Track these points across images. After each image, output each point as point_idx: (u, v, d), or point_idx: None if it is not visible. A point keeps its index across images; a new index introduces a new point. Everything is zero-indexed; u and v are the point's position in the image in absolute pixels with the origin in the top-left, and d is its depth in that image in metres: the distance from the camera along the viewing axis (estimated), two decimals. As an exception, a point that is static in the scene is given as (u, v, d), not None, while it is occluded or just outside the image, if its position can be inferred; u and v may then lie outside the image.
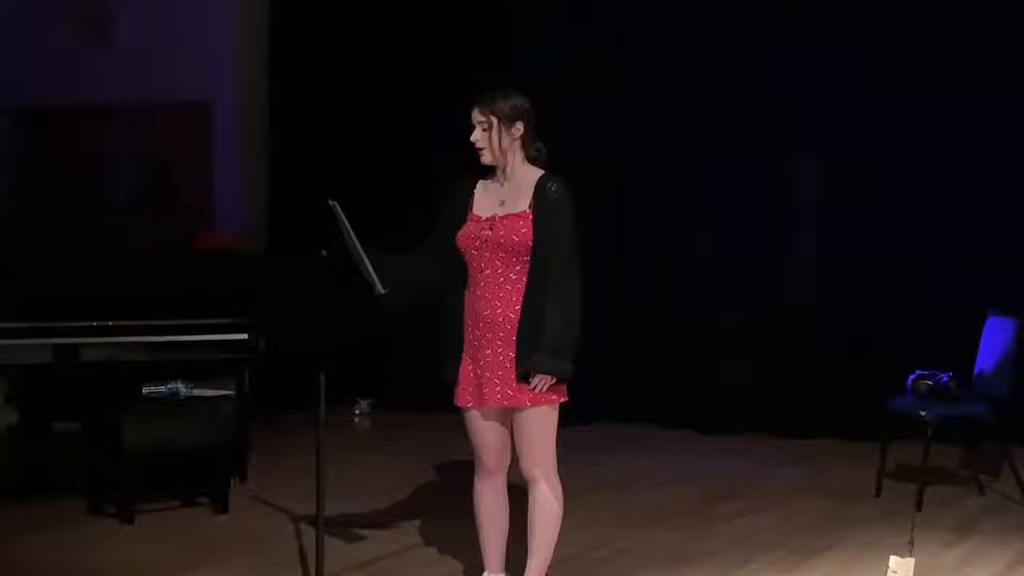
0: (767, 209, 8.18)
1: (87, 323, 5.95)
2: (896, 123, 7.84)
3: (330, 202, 4.43)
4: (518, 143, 4.37)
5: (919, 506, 6.09)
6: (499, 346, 4.30)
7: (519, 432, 4.36)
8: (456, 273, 4.41)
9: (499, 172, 4.39)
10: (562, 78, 8.20)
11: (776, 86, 8.11)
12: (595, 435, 8.00)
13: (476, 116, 4.35)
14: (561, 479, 4.45)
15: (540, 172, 4.38)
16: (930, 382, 6.31)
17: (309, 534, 5.26)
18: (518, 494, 4.53)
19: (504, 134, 4.34)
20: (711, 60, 8.25)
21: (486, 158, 4.37)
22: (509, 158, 4.36)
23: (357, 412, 8.94)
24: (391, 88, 8.97)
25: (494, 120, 4.33)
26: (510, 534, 4.59)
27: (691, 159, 8.33)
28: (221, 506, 6.05)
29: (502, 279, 4.31)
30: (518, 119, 4.35)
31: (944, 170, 7.75)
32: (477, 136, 4.35)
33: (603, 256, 8.06)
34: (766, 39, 8.13)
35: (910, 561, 4.97)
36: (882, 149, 7.88)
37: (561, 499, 4.43)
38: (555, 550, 4.49)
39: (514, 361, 4.27)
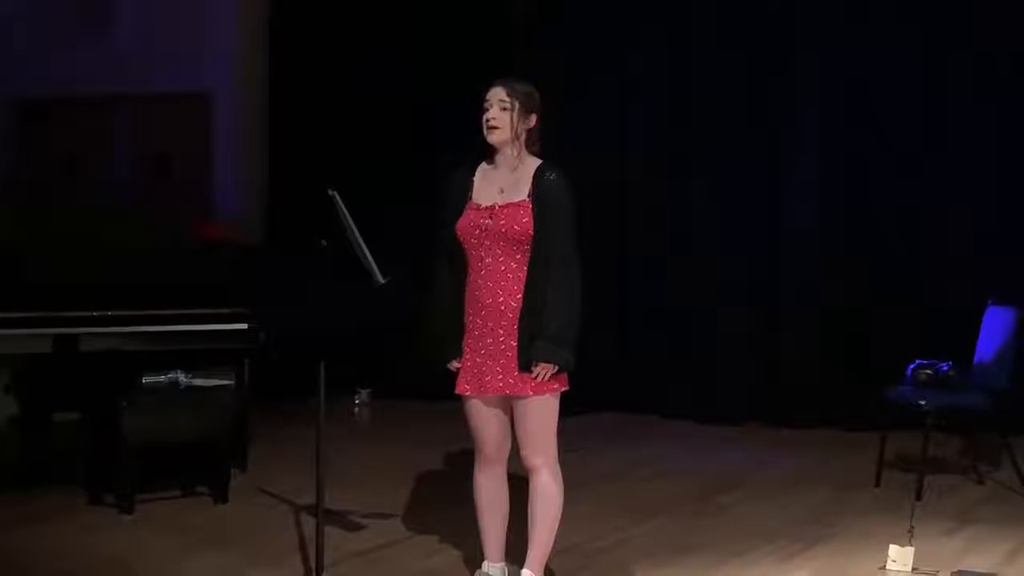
0: (767, 202, 8.21)
1: (87, 313, 5.95)
2: (896, 122, 7.86)
3: (330, 191, 4.43)
4: (525, 134, 4.36)
5: (918, 495, 6.10)
6: (501, 335, 4.29)
7: (520, 421, 4.36)
8: (462, 261, 4.41)
9: (503, 157, 4.37)
10: (562, 78, 8.19)
11: (776, 85, 8.13)
12: (596, 425, 8.02)
13: (499, 95, 4.33)
14: (561, 469, 4.45)
15: (539, 161, 4.37)
16: (930, 371, 6.32)
17: (309, 524, 5.27)
18: (519, 483, 4.53)
19: (521, 120, 4.33)
20: (711, 59, 8.26)
21: (497, 137, 4.33)
22: (520, 143, 4.35)
23: (357, 402, 8.95)
24: (391, 83, 8.98)
25: (516, 104, 4.32)
26: (510, 523, 4.59)
27: (691, 158, 8.35)
28: (221, 496, 6.06)
29: (503, 268, 4.30)
30: (534, 111, 4.36)
31: (944, 167, 7.77)
32: (495, 114, 4.32)
33: (606, 249, 8.10)
34: (766, 39, 8.15)
35: (909, 550, 4.99)
36: (882, 149, 7.90)
37: (562, 488, 4.43)
38: (556, 539, 4.48)
39: (516, 350, 4.27)
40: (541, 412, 4.33)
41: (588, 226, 4.50)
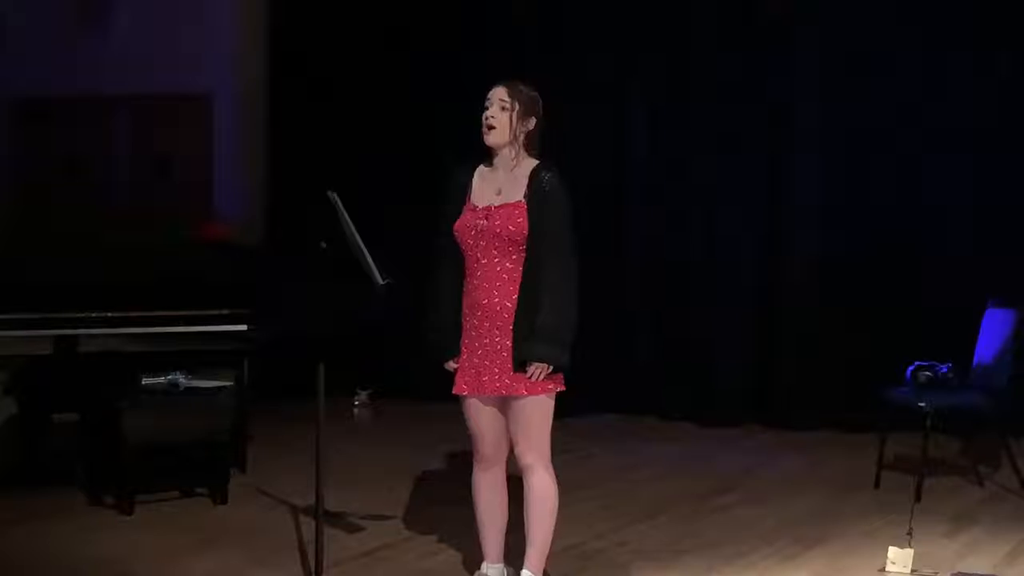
0: (766, 202, 8.22)
1: (86, 314, 5.95)
2: (897, 121, 7.87)
3: (329, 193, 4.43)
4: (524, 136, 4.36)
5: (918, 497, 6.10)
6: (496, 335, 4.30)
7: (515, 420, 4.36)
8: (460, 262, 4.42)
9: (501, 158, 4.38)
10: (562, 78, 8.19)
11: (776, 85, 8.13)
12: (594, 426, 8.02)
13: (501, 94, 4.34)
14: (559, 469, 4.44)
15: (535, 162, 4.38)
16: (929, 373, 6.32)
17: (308, 524, 5.26)
18: (518, 485, 4.53)
19: (520, 122, 4.34)
20: (711, 60, 8.26)
21: (494, 138, 4.34)
22: (518, 145, 4.36)
23: (356, 402, 8.95)
24: (391, 83, 8.98)
25: (517, 105, 4.33)
26: (509, 524, 4.59)
27: (691, 159, 8.35)
28: (221, 497, 6.06)
29: (499, 268, 4.31)
30: (534, 114, 4.37)
31: (944, 166, 7.78)
32: (495, 113, 4.33)
33: (604, 249, 8.09)
34: (766, 39, 8.15)
35: (909, 552, 4.99)
36: (883, 148, 7.91)
37: (556, 487, 4.43)
38: (554, 540, 4.49)
39: (511, 350, 4.28)
40: (536, 411, 4.33)
41: (586, 226, 4.50)
